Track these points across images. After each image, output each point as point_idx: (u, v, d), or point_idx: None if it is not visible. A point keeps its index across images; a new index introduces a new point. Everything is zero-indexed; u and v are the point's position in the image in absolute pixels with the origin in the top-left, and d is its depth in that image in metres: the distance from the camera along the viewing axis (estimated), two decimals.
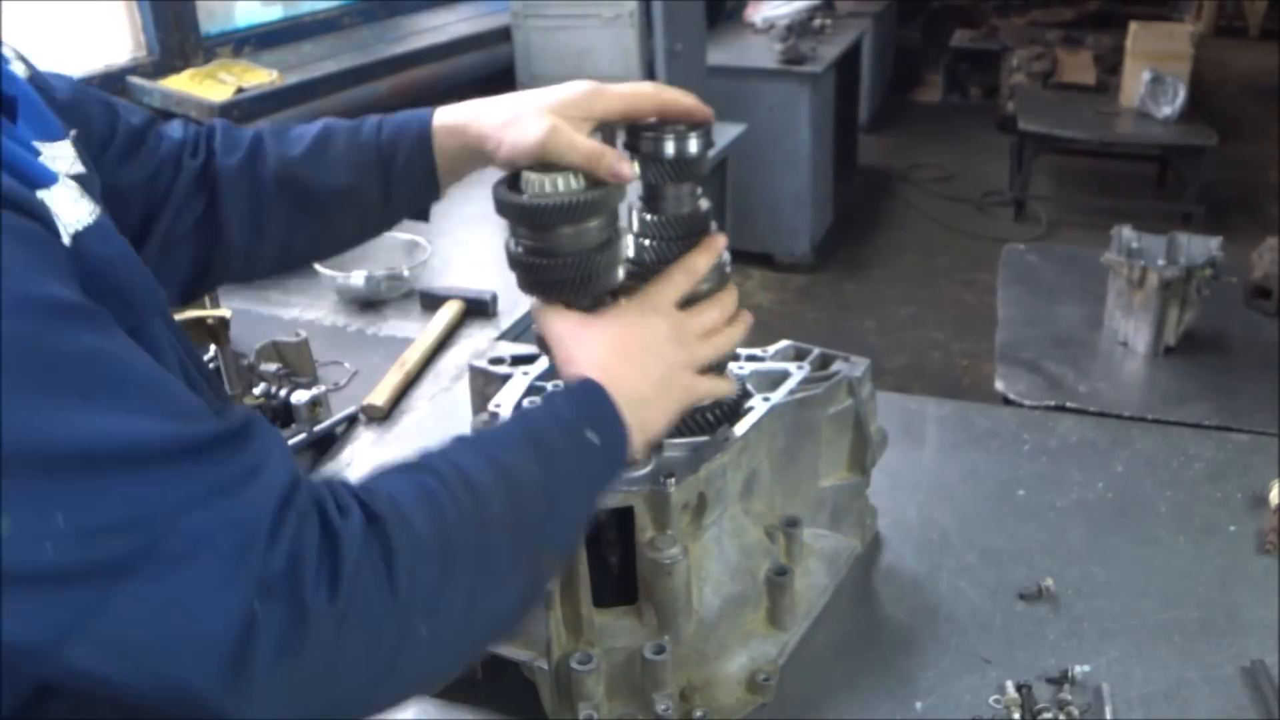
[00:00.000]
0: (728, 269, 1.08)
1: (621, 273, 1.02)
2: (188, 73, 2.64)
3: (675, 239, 1.06)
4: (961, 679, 1.08)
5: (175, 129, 1.03)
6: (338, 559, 0.63)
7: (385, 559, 0.65)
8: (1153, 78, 5.04)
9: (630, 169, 0.98)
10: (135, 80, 2.54)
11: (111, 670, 0.59)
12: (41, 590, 0.57)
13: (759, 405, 1.13)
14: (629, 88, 1.02)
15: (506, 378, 1.21)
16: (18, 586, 0.56)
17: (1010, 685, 1.06)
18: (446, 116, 1.04)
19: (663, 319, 0.97)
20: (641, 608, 1.03)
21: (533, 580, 0.80)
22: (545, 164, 0.96)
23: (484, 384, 1.25)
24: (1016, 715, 1.02)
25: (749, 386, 1.17)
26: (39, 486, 0.56)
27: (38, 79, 0.86)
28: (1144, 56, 5.14)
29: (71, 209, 0.69)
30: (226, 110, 2.52)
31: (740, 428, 1.10)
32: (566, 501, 0.81)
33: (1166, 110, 5.02)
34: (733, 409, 1.13)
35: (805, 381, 1.18)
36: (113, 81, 2.53)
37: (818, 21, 5.24)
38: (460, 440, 0.79)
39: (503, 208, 0.96)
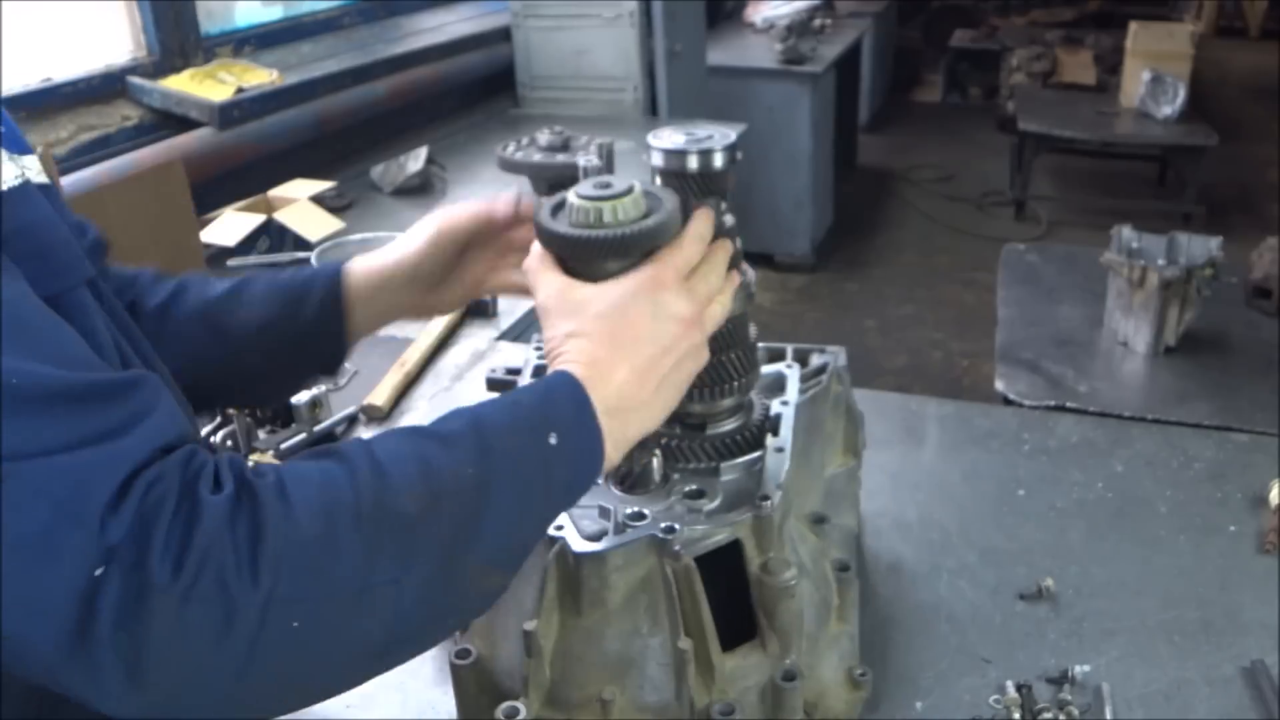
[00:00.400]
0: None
1: None
2: (188, 73, 2.64)
3: None
4: (961, 679, 1.08)
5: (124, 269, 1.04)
6: (191, 532, 0.59)
7: (251, 541, 0.60)
8: (1153, 78, 5.05)
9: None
10: (135, 80, 2.54)
11: None
12: None
13: (783, 410, 1.09)
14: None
15: None
16: None
17: (1010, 685, 1.06)
18: (359, 259, 1.06)
19: (674, 297, 0.84)
20: (765, 638, 0.95)
21: (452, 591, 0.70)
22: (596, 184, 0.89)
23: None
24: (1016, 715, 1.02)
25: (760, 396, 1.16)
26: None
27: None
28: (1144, 56, 5.14)
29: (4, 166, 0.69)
30: (226, 110, 2.53)
31: (785, 434, 1.06)
32: (504, 509, 0.71)
33: (1166, 110, 5.02)
34: (761, 423, 1.10)
35: (802, 379, 1.17)
36: (113, 81, 2.53)
37: (818, 21, 5.24)
38: (403, 430, 0.73)
39: (549, 239, 0.88)
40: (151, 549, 0.57)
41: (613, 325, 0.82)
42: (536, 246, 0.90)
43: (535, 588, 0.93)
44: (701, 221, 0.90)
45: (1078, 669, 1.07)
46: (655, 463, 1.03)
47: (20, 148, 0.78)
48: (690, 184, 0.98)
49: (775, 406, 1.11)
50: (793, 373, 1.18)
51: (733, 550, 0.95)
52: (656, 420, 0.84)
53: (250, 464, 0.66)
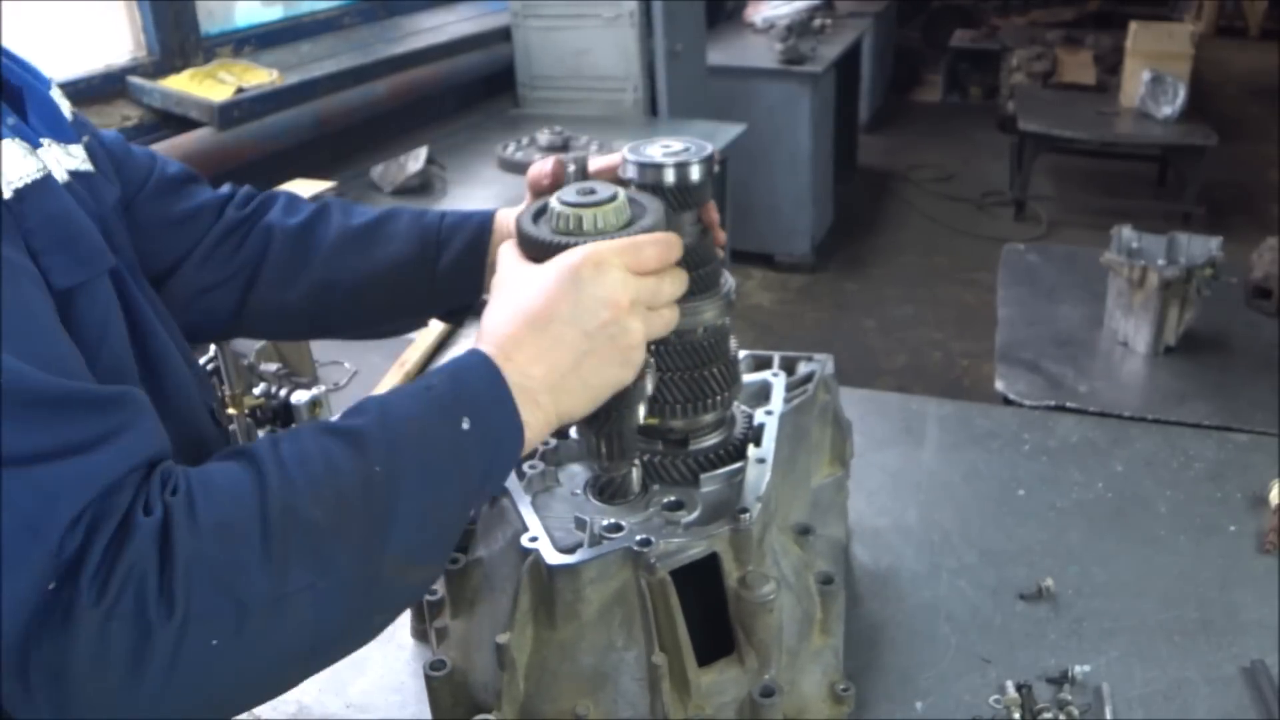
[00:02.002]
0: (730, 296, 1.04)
1: None
2: (188, 73, 2.64)
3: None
4: (961, 679, 1.08)
5: (233, 189, 1.09)
6: (115, 558, 0.59)
7: (163, 566, 0.60)
8: (1153, 78, 5.04)
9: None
10: (135, 80, 2.54)
11: None
12: None
13: (767, 420, 1.08)
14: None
15: None
16: None
17: (1010, 685, 1.06)
18: (505, 215, 1.05)
19: (603, 278, 0.79)
20: (743, 653, 0.94)
21: (373, 590, 0.69)
22: (581, 190, 0.88)
23: None
24: (1016, 715, 1.02)
25: (743, 406, 1.14)
26: None
27: (80, 120, 0.91)
28: (1144, 56, 5.14)
29: (17, 165, 0.71)
30: (226, 110, 2.52)
31: (767, 445, 1.05)
32: (416, 503, 0.69)
33: (1166, 110, 5.02)
34: (745, 434, 1.09)
35: (788, 388, 1.16)
36: (113, 81, 2.53)
37: (818, 21, 5.24)
38: (312, 427, 0.71)
39: (525, 242, 0.87)
40: (85, 567, 0.58)
41: (533, 303, 0.79)
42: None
43: (509, 599, 0.92)
44: (670, 237, 0.87)
45: (1078, 669, 1.07)
46: (635, 474, 1.01)
47: (66, 136, 0.82)
48: (667, 197, 0.96)
49: (759, 416, 1.09)
50: (778, 381, 1.16)
51: (711, 563, 0.93)
52: (583, 403, 0.81)
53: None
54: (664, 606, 0.90)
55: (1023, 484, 1.40)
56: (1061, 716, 1.02)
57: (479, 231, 1.04)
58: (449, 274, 1.04)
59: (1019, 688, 1.05)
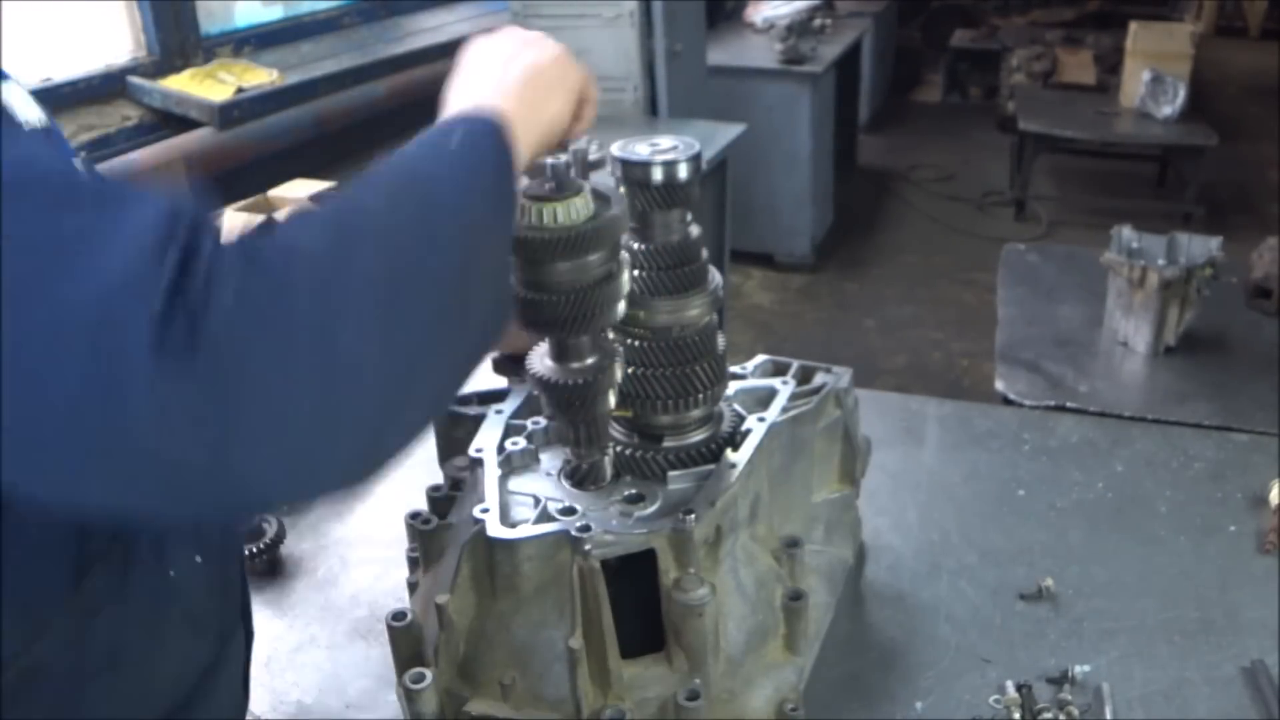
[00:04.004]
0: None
1: (623, 307, 0.93)
2: (188, 73, 2.64)
3: (666, 268, 1.01)
4: (961, 679, 1.08)
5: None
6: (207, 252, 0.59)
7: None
8: (1153, 78, 5.04)
9: None
10: (135, 80, 2.54)
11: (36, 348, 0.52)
12: None
13: (756, 426, 1.08)
14: None
15: (478, 418, 1.11)
16: None
17: (1010, 685, 1.06)
18: None
19: (548, 42, 0.97)
20: (671, 653, 0.96)
21: (453, 244, 0.70)
22: (538, 181, 0.89)
23: (450, 426, 1.15)
24: (1016, 715, 1.02)
25: (738, 408, 1.14)
26: None
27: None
28: (1144, 56, 5.14)
29: (26, 107, 0.70)
30: (226, 110, 2.53)
31: (744, 452, 1.05)
32: (453, 192, 0.72)
33: (1166, 110, 5.02)
34: (730, 436, 1.09)
35: (794, 397, 1.14)
36: (113, 81, 2.53)
37: (818, 21, 5.24)
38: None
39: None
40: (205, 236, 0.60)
41: (490, 54, 0.94)
42: None
43: (454, 564, 0.95)
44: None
45: (1078, 669, 1.07)
46: (606, 462, 1.02)
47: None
48: (654, 194, 0.98)
49: (751, 421, 1.09)
50: (785, 389, 1.15)
51: (650, 559, 0.94)
52: (536, 125, 0.87)
53: None
54: (592, 593, 0.91)
55: (1023, 484, 1.40)
56: (1061, 716, 1.02)
57: None
58: None
59: (1019, 688, 1.05)
